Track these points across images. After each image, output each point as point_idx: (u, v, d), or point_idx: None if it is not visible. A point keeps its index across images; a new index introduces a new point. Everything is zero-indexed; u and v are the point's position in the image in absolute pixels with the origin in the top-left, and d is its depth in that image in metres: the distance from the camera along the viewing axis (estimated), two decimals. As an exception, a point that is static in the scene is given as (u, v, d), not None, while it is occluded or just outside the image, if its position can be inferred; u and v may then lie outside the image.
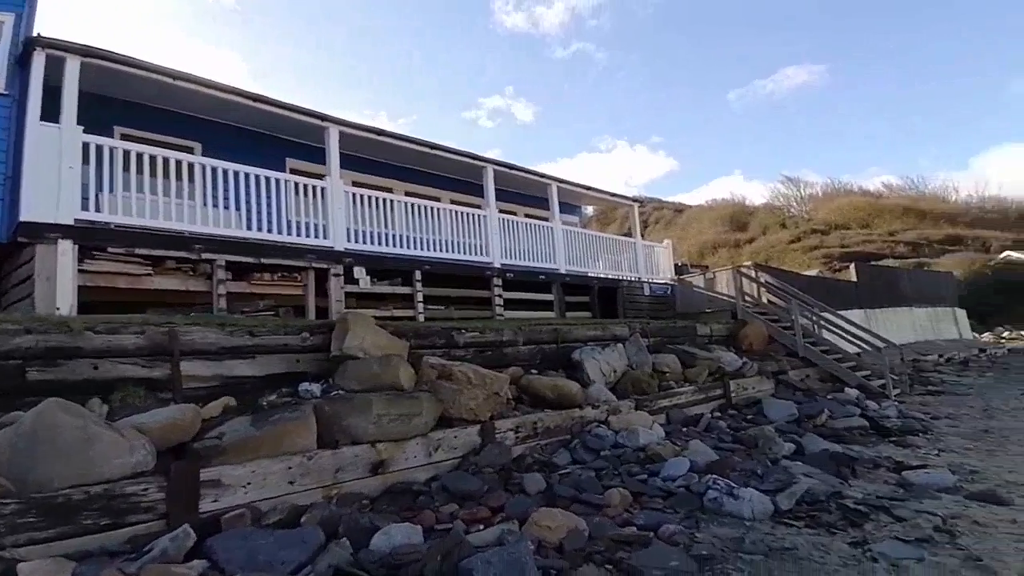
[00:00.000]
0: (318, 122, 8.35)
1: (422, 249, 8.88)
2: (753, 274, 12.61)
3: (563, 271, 11.11)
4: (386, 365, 4.95)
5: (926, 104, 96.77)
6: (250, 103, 7.84)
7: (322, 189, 7.84)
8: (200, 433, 3.79)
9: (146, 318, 4.87)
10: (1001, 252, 40.59)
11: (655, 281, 13.60)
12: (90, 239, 5.77)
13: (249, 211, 6.98)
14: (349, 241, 7.98)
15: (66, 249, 5.52)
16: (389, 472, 4.34)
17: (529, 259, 10.56)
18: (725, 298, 12.41)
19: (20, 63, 6.21)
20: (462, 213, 9.66)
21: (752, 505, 3.99)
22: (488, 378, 5.43)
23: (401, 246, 8.63)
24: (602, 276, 12.23)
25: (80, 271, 5.63)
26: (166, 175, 6.34)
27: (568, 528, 3.48)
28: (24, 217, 5.47)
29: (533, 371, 6.81)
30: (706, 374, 8.35)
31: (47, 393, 3.51)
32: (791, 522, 3.85)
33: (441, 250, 9.17)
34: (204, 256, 6.41)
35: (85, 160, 5.85)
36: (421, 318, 8.42)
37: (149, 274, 6.10)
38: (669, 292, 13.71)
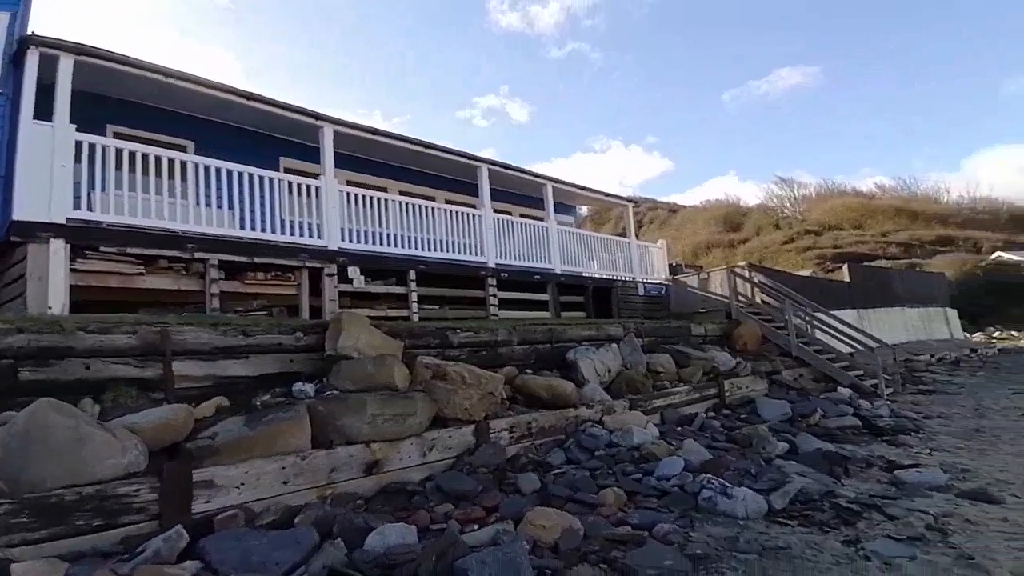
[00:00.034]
0: (312, 121, 8.33)
1: (417, 249, 8.86)
2: (747, 274, 12.64)
3: (558, 271, 11.12)
4: (380, 365, 4.94)
5: (919, 106, 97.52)
6: (243, 101, 7.81)
7: (316, 188, 7.81)
8: (193, 433, 3.76)
9: (138, 318, 4.84)
10: (992, 253, 40.93)
11: (650, 281, 13.62)
12: (82, 238, 5.73)
13: (242, 210, 6.95)
14: (343, 240, 7.95)
15: (58, 248, 5.48)
16: (384, 472, 4.33)
17: (524, 259, 10.56)
18: (719, 298, 12.44)
19: (14, 62, 6.17)
20: (457, 213, 9.65)
21: (746, 504, 4.01)
22: (483, 378, 5.42)
23: (396, 246, 8.60)
24: (597, 276, 12.24)
25: (72, 270, 5.59)
26: (159, 174, 6.30)
27: (563, 528, 3.49)
28: (16, 216, 5.43)
29: (528, 371, 6.81)
30: (700, 374, 8.37)
31: (39, 393, 3.48)
32: (785, 521, 3.86)
33: (436, 250, 9.15)
34: (197, 255, 6.37)
35: (77, 159, 5.81)
36: (416, 318, 8.40)
37: (141, 273, 6.06)
38: (664, 292, 13.73)
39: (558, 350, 7.49)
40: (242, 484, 3.58)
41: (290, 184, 7.60)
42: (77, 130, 5.87)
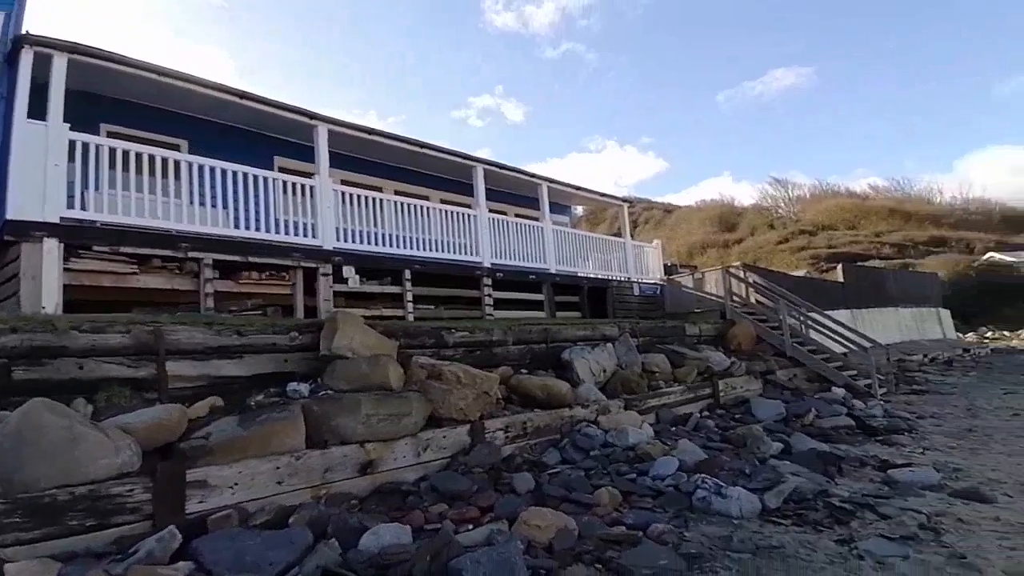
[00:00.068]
0: (307, 120, 8.30)
1: (412, 248, 8.85)
2: (742, 274, 12.67)
3: (553, 271, 11.12)
4: (375, 365, 4.94)
5: (912, 107, 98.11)
6: (238, 100, 7.77)
7: (311, 188, 7.79)
8: (186, 433, 3.75)
9: (132, 317, 4.82)
10: (984, 253, 41.23)
11: (644, 281, 13.65)
12: (76, 237, 5.70)
13: (237, 209, 6.92)
14: (338, 240, 7.93)
15: (52, 248, 5.45)
16: (378, 472, 4.32)
17: (519, 259, 10.56)
18: (714, 298, 12.47)
19: (8, 61, 6.14)
20: (452, 213, 9.64)
21: (740, 504, 4.02)
22: (478, 378, 5.42)
23: (391, 245, 8.59)
24: (592, 276, 12.25)
25: (66, 270, 5.56)
26: (152, 173, 6.28)
27: (558, 527, 3.49)
28: (10, 215, 5.40)
29: (523, 371, 6.81)
30: (695, 374, 8.38)
31: (32, 393, 3.47)
32: (779, 520, 3.87)
33: (431, 250, 9.14)
34: (191, 255, 6.35)
35: (71, 158, 5.78)
36: (411, 318, 8.39)
37: (135, 273, 6.03)
38: (658, 292, 13.76)
39: (553, 350, 7.49)
40: (236, 484, 3.57)
41: (285, 183, 7.57)
42: (71, 129, 5.84)
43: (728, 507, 4.01)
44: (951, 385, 11.87)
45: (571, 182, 13.24)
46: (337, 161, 8.86)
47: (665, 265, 16.01)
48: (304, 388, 4.76)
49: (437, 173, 11.94)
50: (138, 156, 6.21)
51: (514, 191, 13.05)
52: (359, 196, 8.35)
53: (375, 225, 8.49)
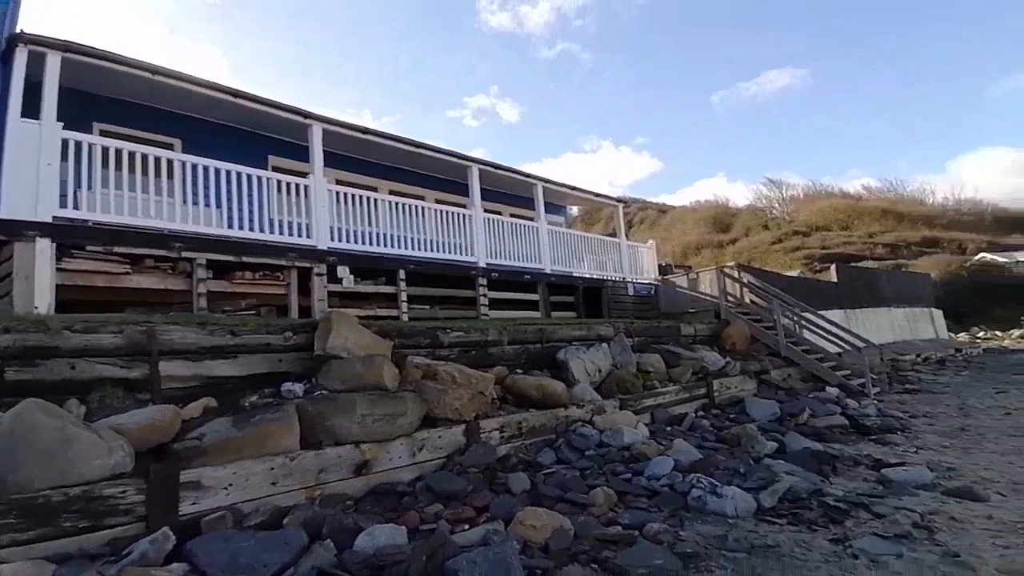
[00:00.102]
0: (301, 119, 8.27)
1: (407, 248, 8.83)
2: (736, 274, 12.71)
3: (548, 271, 11.12)
4: (370, 365, 4.92)
5: (905, 108, 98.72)
6: (231, 99, 7.74)
7: (305, 187, 7.76)
8: (180, 434, 3.73)
9: (124, 317, 4.79)
10: (976, 254, 41.55)
11: (639, 281, 13.66)
12: (68, 237, 5.65)
13: (230, 209, 6.89)
14: (332, 240, 7.91)
15: (44, 247, 5.40)
16: (373, 473, 4.31)
17: (514, 259, 10.55)
18: (708, 298, 12.50)
19: (2, 60, 6.08)
20: (447, 212, 9.62)
21: (735, 503, 4.03)
22: (473, 378, 5.42)
23: (385, 245, 8.57)
24: (587, 276, 12.25)
25: (58, 269, 5.52)
26: (145, 172, 6.24)
27: (553, 527, 3.49)
28: (3, 215, 5.35)
29: (518, 371, 6.81)
30: (690, 374, 8.40)
31: (25, 393, 3.45)
32: (773, 520, 3.89)
33: (426, 249, 9.12)
34: (184, 254, 6.31)
35: (64, 157, 5.74)
36: (405, 318, 8.37)
37: (128, 272, 5.99)
38: (653, 292, 13.78)
39: (548, 350, 7.49)
40: (230, 485, 3.55)
41: (279, 183, 7.54)
42: (64, 128, 5.81)
43: (723, 506, 4.02)
44: (944, 385, 11.94)
45: (566, 182, 13.25)
46: (332, 161, 8.83)
47: (660, 265, 16.05)
48: (299, 388, 4.74)
49: (432, 173, 11.92)
50: (131, 155, 6.17)
51: (509, 191, 13.04)
52: (354, 196, 8.32)
53: (370, 225, 8.47)
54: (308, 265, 7.39)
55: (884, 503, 4.14)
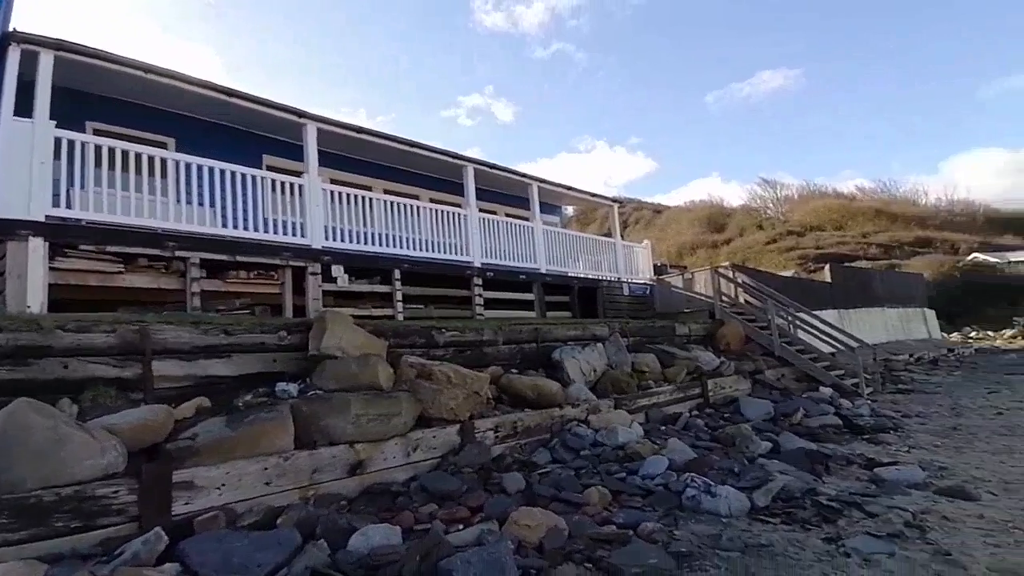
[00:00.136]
0: (295, 118, 8.24)
1: (402, 248, 8.81)
2: (731, 274, 12.74)
3: (543, 271, 11.12)
4: (365, 364, 4.91)
5: (899, 109, 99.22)
6: (225, 98, 7.70)
7: (299, 186, 7.73)
8: (173, 434, 3.71)
9: (117, 316, 4.77)
10: (969, 254, 41.78)
11: (634, 281, 13.68)
12: (61, 236, 5.62)
13: (224, 208, 6.86)
14: (327, 239, 7.88)
15: (37, 246, 5.37)
16: (367, 472, 4.30)
17: (509, 259, 10.55)
18: (703, 298, 12.53)
19: (-3, 58, 6.04)
20: (442, 212, 9.61)
21: (729, 503, 4.04)
22: (468, 378, 5.42)
23: (380, 244, 8.55)
24: (582, 276, 12.26)
25: (51, 269, 5.49)
26: (138, 171, 6.20)
27: (548, 527, 3.49)
28: (-4, 214, 5.32)
29: (513, 371, 6.81)
30: (684, 373, 8.42)
31: (17, 392, 3.43)
32: (767, 519, 3.90)
33: (421, 249, 9.11)
34: (177, 254, 6.28)
35: (57, 155, 5.71)
36: (400, 317, 8.36)
37: (121, 272, 5.96)
38: (648, 292, 13.80)
39: (544, 350, 7.50)
40: (223, 485, 3.54)
41: (273, 182, 7.52)
42: (57, 127, 5.77)
43: (717, 506, 4.03)
44: (936, 384, 12.00)
45: (561, 182, 13.25)
46: (326, 160, 8.81)
47: (655, 265, 16.06)
48: (293, 388, 4.73)
49: (427, 172, 11.91)
50: (124, 154, 6.13)
51: (504, 191, 13.04)
52: (349, 195, 8.30)
53: (364, 224, 8.45)
54: (303, 264, 7.38)
55: (877, 502, 4.16)
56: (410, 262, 8.80)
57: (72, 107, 6.73)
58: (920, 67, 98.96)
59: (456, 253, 9.67)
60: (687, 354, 9.00)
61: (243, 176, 7.09)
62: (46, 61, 5.93)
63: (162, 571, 2.78)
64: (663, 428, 6.64)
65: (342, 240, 8.10)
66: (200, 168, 6.73)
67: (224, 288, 6.74)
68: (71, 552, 2.92)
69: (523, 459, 5.15)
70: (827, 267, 19.70)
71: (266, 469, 3.76)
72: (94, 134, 6.81)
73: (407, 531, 3.48)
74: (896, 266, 37.25)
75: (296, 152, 8.42)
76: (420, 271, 8.91)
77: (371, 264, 8.38)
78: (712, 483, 4.31)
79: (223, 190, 6.84)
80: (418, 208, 9.38)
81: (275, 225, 7.33)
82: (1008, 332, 27.79)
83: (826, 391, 9.29)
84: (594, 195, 14.82)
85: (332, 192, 8.15)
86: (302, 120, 8.23)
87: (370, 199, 8.63)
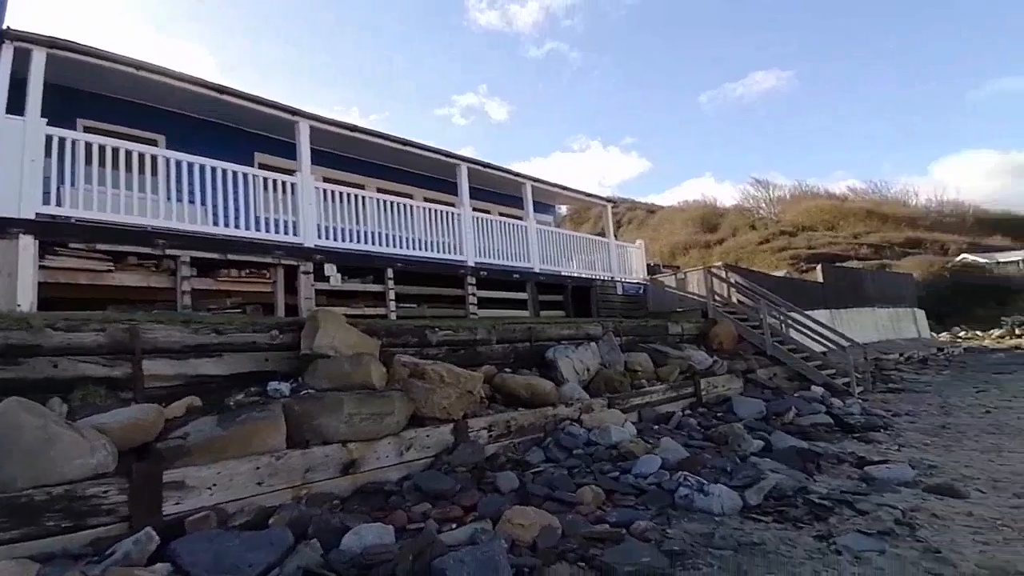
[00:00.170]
0: (288, 116, 8.20)
1: (395, 247, 8.79)
2: (723, 274, 12.79)
3: (537, 270, 11.12)
4: (357, 364, 4.90)
5: (891, 110, 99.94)
6: (216, 95, 7.64)
7: (292, 185, 7.70)
8: (163, 433, 3.69)
9: (107, 315, 4.73)
10: (958, 255, 42.16)
11: (628, 281, 13.71)
12: (51, 234, 5.57)
13: (215, 206, 6.82)
14: (320, 238, 7.85)
15: (27, 244, 5.32)
16: (360, 472, 4.29)
17: (503, 258, 10.54)
18: (696, 298, 12.58)
19: (-11, 56, 5.98)
20: (435, 211, 9.59)
21: (722, 501, 4.06)
22: (461, 377, 5.41)
23: (373, 243, 8.53)
24: (576, 275, 12.28)
25: (41, 267, 5.44)
26: (129, 168, 6.15)
27: (541, 526, 3.49)
28: (-13, 212, 5.27)
29: (507, 370, 6.81)
30: (677, 372, 8.44)
31: (7, 392, 3.40)
32: (759, 517, 3.92)
33: (414, 248, 9.09)
34: (168, 252, 6.23)
35: (47, 153, 5.66)
36: (393, 316, 8.34)
37: (111, 270, 5.91)
38: (641, 292, 13.83)
39: (537, 349, 7.50)
40: (214, 485, 3.52)
41: (265, 180, 7.47)
42: (48, 124, 5.72)
43: (710, 504, 4.05)
44: (926, 383, 12.10)
45: (555, 181, 13.25)
46: (319, 158, 8.77)
47: (648, 265, 16.12)
48: (285, 387, 4.71)
49: (421, 171, 11.87)
50: (115, 151, 6.08)
51: (498, 190, 13.02)
52: (341, 193, 8.26)
53: (357, 223, 8.42)
54: (295, 263, 7.34)
55: (867, 500, 4.18)
56: (403, 261, 8.78)
57: (63, 104, 6.68)
58: (911, 69, 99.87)
59: (450, 252, 9.66)
60: (680, 353, 9.02)
61: (235, 174, 7.04)
62: (39, 59, 5.88)
63: (153, 571, 2.76)
64: (656, 427, 6.66)
65: (335, 239, 8.06)
66: (191, 166, 6.68)
67: (215, 287, 6.70)
68: (62, 552, 2.91)
69: (517, 458, 5.15)
70: (819, 267, 19.85)
71: (258, 469, 3.74)
72: (85, 131, 6.75)
73: (400, 530, 3.48)
74: (887, 266, 37.53)
75: (289, 150, 8.38)
76: (413, 270, 8.89)
77: (364, 263, 8.36)
78: (705, 482, 4.32)
79: (214, 188, 6.80)
80: (411, 207, 9.36)
81: (267, 223, 7.29)
82: (996, 332, 28.07)
83: (817, 390, 9.34)
84: (588, 195, 14.84)
85: (325, 190, 8.12)
86: (295, 118, 8.19)
87: (363, 198, 8.60)
